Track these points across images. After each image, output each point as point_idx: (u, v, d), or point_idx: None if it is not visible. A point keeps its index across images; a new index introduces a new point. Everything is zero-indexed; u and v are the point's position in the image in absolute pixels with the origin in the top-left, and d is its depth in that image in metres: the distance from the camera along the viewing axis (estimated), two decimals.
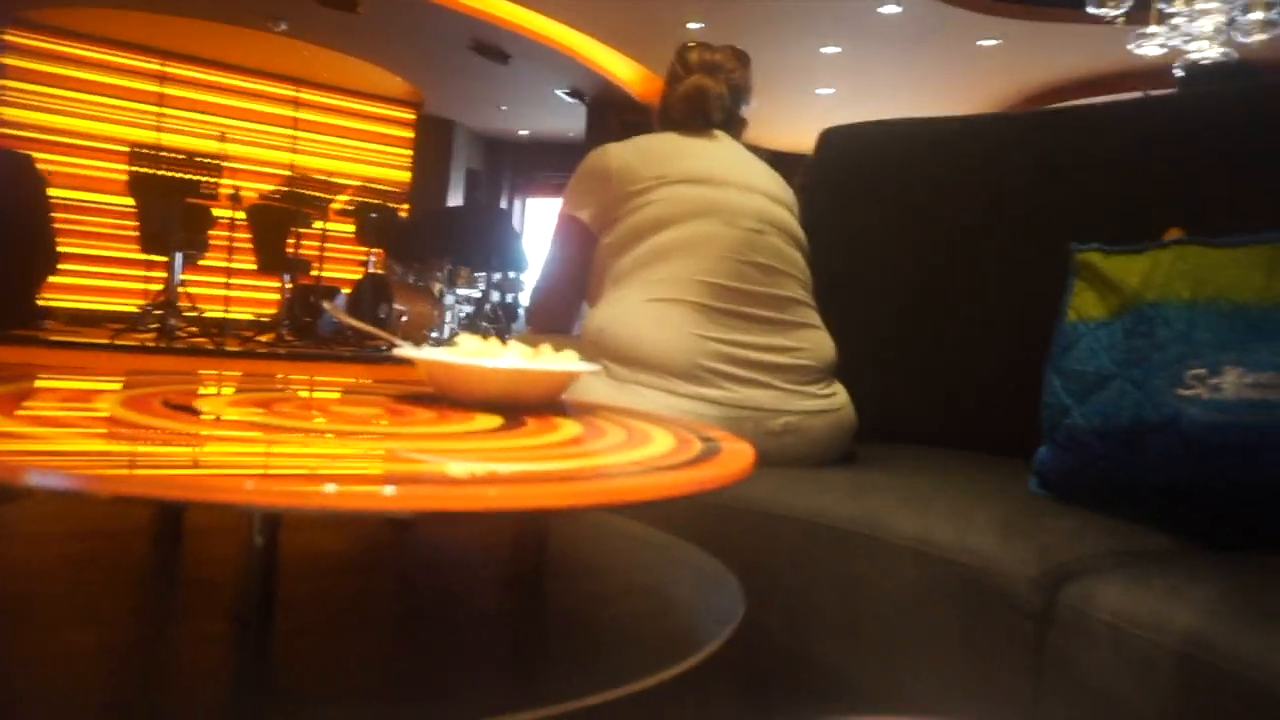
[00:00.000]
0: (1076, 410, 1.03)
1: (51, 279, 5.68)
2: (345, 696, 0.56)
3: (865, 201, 1.74)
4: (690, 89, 1.46)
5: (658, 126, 1.52)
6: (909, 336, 1.61)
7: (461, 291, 7.16)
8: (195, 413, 0.77)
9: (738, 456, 0.69)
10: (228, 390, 0.95)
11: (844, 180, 1.79)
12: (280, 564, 0.63)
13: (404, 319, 6.16)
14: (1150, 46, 5.17)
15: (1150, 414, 0.95)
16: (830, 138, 1.83)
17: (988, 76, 7.58)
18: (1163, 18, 4.96)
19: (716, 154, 1.42)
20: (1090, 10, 4.86)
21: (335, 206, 6.16)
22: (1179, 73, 4.81)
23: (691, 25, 6.86)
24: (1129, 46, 5.31)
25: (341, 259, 7.71)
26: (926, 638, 0.89)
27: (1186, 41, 5.04)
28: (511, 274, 7.43)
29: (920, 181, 1.67)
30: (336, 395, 1.05)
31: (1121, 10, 4.79)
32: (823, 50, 7.24)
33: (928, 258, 1.62)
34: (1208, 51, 4.98)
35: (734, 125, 1.50)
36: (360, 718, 0.53)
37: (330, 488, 0.53)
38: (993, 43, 6.77)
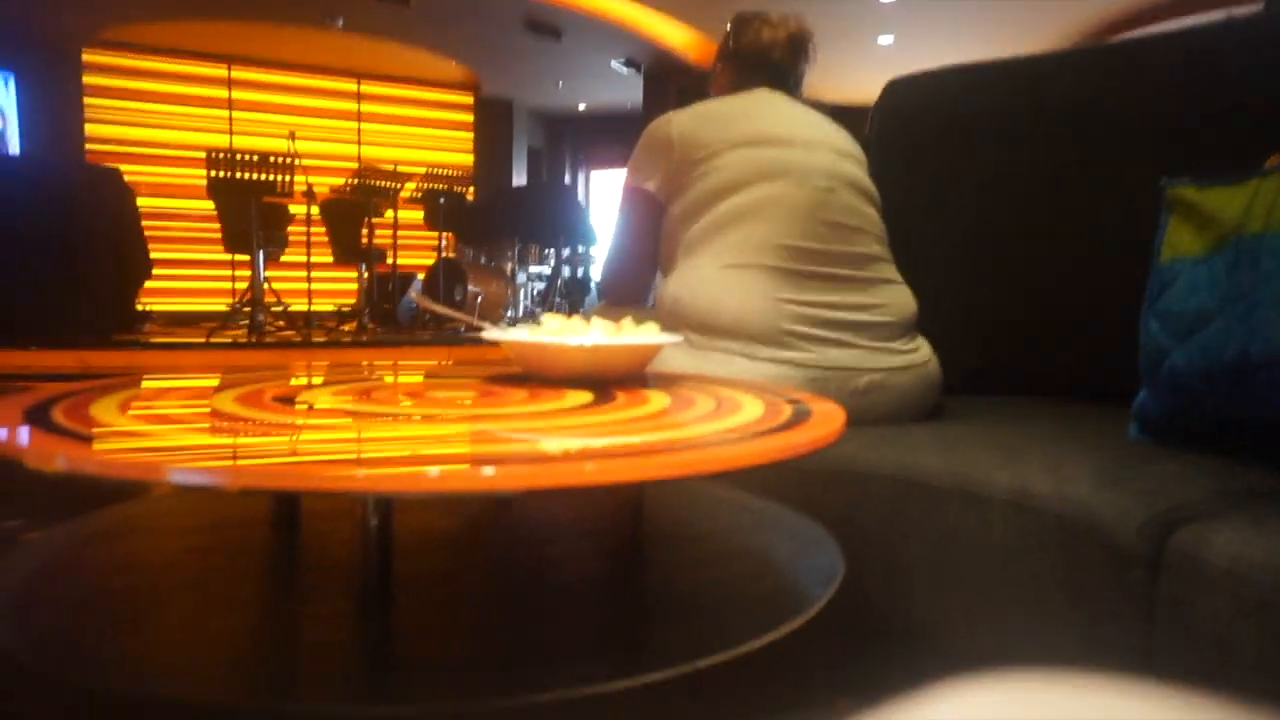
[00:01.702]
0: (1177, 351, 0.99)
1: (147, 284, 5.95)
2: (462, 666, 0.59)
3: (934, 150, 1.69)
4: (796, 31, 1.48)
5: (729, 80, 1.51)
6: (990, 286, 1.58)
7: (533, 270, 7.25)
8: (300, 404, 0.81)
9: (829, 418, 0.69)
10: (319, 379, 0.99)
11: (911, 130, 1.74)
12: (394, 543, 0.66)
13: (479, 300, 6.27)
14: None
15: (1258, 350, 0.91)
16: (894, 88, 1.78)
17: (1061, 7, 7.22)
18: None
19: (781, 113, 1.40)
20: None
21: (403, 195, 6.28)
22: None
23: None
24: None
25: (414, 245, 7.87)
26: (1028, 592, 0.88)
27: None
28: (580, 249, 7.47)
29: (990, 126, 1.62)
30: (428, 380, 1.09)
31: None
32: None
33: (1005, 203, 1.58)
34: None
35: (801, 85, 1.49)
36: (477, 686, 0.56)
37: (435, 471, 0.55)
38: None
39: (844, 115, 1.53)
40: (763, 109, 1.41)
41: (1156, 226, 1.06)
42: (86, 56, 7.80)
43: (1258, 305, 0.92)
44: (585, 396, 0.80)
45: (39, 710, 0.56)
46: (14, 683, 0.56)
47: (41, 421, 0.64)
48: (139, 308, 5.96)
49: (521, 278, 6.81)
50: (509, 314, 6.58)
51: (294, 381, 0.94)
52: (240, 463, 0.56)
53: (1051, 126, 1.53)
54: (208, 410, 0.77)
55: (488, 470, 0.56)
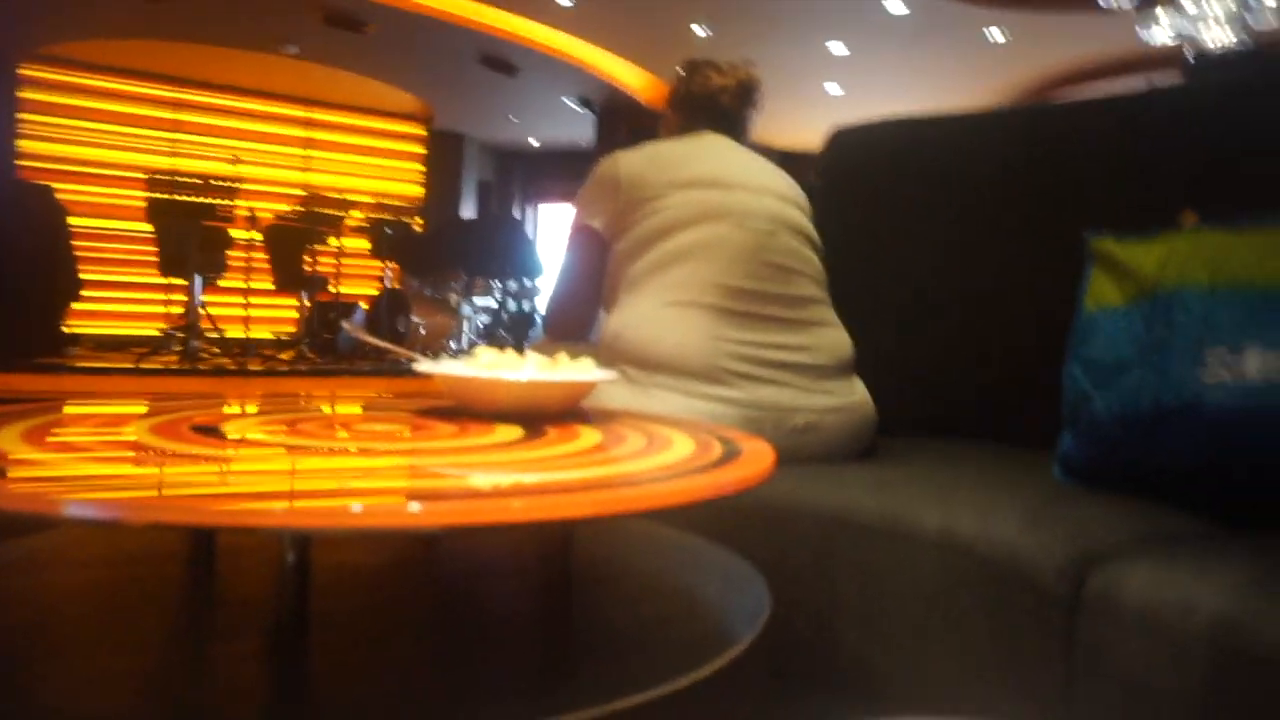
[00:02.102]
0: (1098, 398, 1.02)
1: (75, 306, 5.75)
2: (380, 708, 0.57)
3: (876, 198, 1.74)
4: (745, 78, 1.50)
5: (678, 123, 1.53)
6: (926, 330, 1.61)
7: (478, 301, 7.20)
8: (223, 435, 0.78)
9: (758, 458, 0.70)
10: (251, 410, 0.96)
11: (855, 178, 1.79)
12: (312, 579, 0.64)
13: (422, 331, 6.20)
14: (1160, 33, 5.13)
15: (1171, 399, 0.94)
16: (840, 136, 1.83)
17: (997, 68, 7.52)
18: (1173, 1, 4.93)
19: (726, 157, 1.43)
20: (1101, 4, 4.84)
21: (350, 223, 6.20)
22: (1188, 59, 4.77)
23: (696, 29, 6.86)
24: (1139, 34, 5.26)
25: (358, 274, 7.77)
26: (953, 630, 0.89)
27: (1198, 28, 4.99)
28: (527, 282, 7.45)
29: (930, 177, 1.67)
30: (360, 412, 1.07)
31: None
32: (830, 49, 7.22)
33: (942, 251, 1.62)
34: (1218, 36, 4.93)
35: (747, 131, 1.53)
36: None
37: (357, 507, 0.54)
38: (1001, 35, 6.72)
39: (791, 162, 1.56)
40: (708, 152, 1.43)
41: (1081, 277, 1.10)
42: (23, 71, 7.58)
43: (1171, 357, 0.95)
44: (515, 432, 0.79)
45: None
46: None
47: None
48: (65, 329, 5.75)
49: (467, 310, 6.76)
50: (453, 346, 6.51)
51: (222, 411, 0.91)
52: (145, 495, 0.54)
53: (983, 179, 1.59)
54: (121, 440, 0.75)
55: (412, 506, 0.55)
